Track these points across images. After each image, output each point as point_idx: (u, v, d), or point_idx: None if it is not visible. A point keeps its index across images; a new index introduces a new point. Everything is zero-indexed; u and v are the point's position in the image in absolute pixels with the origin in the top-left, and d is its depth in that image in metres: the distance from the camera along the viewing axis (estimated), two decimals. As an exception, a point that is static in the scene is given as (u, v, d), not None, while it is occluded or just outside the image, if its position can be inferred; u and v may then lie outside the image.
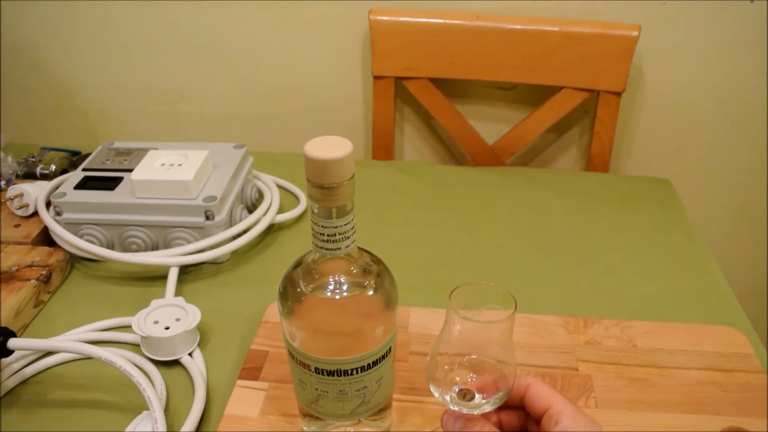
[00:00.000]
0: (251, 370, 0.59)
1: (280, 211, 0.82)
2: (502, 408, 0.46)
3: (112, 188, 0.74)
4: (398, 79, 1.00)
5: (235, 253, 0.76)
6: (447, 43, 0.95)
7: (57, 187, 0.77)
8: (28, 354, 0.60)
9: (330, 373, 0.45)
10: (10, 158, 0.87)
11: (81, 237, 0.73)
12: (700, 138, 1.05)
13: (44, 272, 0.69)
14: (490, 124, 1.06)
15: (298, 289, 0.44)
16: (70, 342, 0.58)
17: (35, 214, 0.77)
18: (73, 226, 0.73)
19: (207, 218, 0.72)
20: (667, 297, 0.70)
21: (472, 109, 1.05)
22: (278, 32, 1.02)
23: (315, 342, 0.45)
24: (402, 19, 0.94)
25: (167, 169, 0.73)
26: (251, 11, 1.00)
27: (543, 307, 0.67)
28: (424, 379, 0.46)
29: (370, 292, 0.44)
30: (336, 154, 0.38)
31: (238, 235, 0.74)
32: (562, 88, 0.97)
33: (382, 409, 0.50)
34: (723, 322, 0.65)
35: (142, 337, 0.61)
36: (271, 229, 0.81)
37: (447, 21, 0.94)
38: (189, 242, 0.72)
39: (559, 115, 1.00)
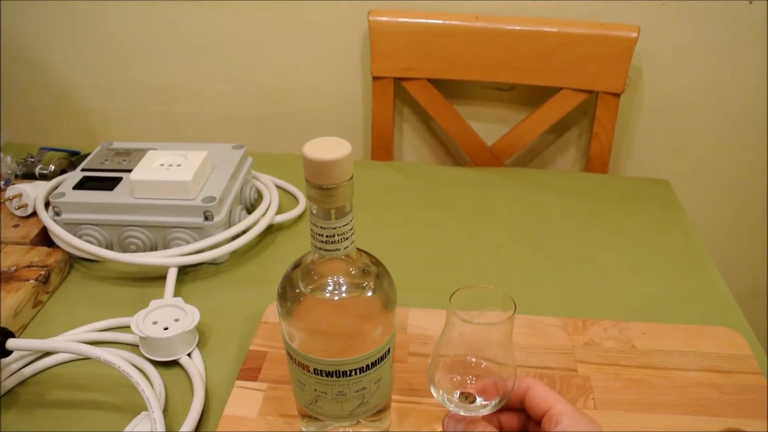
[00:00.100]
0: (250, 371, 0.59)
1: (279, 211, 0.82)
2: (503, 410, 0.46)
3: (111, 188, 0.74)
4: (397, 80, 1.00)
5: (234, 254, 0.76)
6: (446, 44, 0.95)
7: (56, 188, 0.77)
8: (26, 354, 0.60)
9: (329, 374, 0.45)
10: (9, 158, 0.87)
11: (80, 237, 0.73)
12: (699, 139, 1.05)
13: (43, 272, 0.69)
14: (489, 125, 1.06)
15: (297, 290, 0.44)
16: (68, 342, 0.57)
17: (34, 214, 0.77)
18: (71, 227, 0.73)
19: (206, 219, 0.72)
20: (666, 298, 0.70)
21: (471, 109, 1.05)
22: (277, 33, 1.02)
23: (314, 343, 0.45)
24: (401, 19, 0.94)
25: (166, 170, 0.73)
26: (250, 11, 1.00)
27: (542, 308, 0.67)
28: (423, 380, 0.46)
29: (369, 293, 0.44)
30: (335, 154, 0.38)
31: (237, 236, 0.74)
32: (561, 89, 0.97)
33: (381, 410, 0.50)
34: (721, 324, 0.65)
35: (141, 337, 0.61)
36: (270, 229, 0.81)
37: (446, 22, 0.94)
38: (188, 243, 0.72)
39: (558, 116, 1.00)
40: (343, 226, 0.41)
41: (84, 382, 0.60)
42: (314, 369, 0.45)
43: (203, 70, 1.06)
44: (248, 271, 0.75)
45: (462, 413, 0.45)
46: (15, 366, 0.59)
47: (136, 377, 0.53)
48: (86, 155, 0.83)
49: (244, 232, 0.75)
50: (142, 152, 0.79)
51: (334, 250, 0.42)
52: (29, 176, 0.86)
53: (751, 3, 0.91)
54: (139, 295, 0.69)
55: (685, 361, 0.60)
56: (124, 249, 0.74)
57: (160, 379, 0.58)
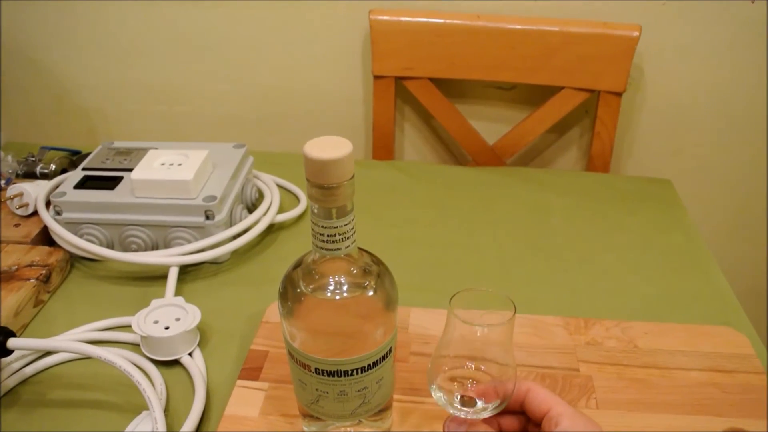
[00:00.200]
0: (251, 371, 0.59)
1: (280, 211, 0.82)
2: (503, 412, 0.46)
3: (111, 188, 0.74)
4: (398, 79, 1.00)
5: (235, 253, 0.76)
6: (447, 43, 0.95)
7: (57, 187, 0.77)
8: (27, 354, 0.60)
9: (330, 374, 0.45)
10: (9, 157, 0.87)
11: (81, 236, 0.73)
12: (701, 138, 1.05)
13: (44, 272, 0.69)
14: (490, 124, 1.06)
15: (298, 290, 0.44)
16: (69, 342, 0.57)
17: (35, 213, 0.77)
18: (72, 226, 0.73)
19: (207, 218, 0.72)
20: (668, 298, 0.70)
21: (472, 109, 1.05)
22: (278, 32, 1.02)
23: (315, 342, 0.45)
24: (402, 18, 0.94)
25: (167, 169, 0.73)
26: (251, 11, 1.00)
27: (543, 308, 0.67)
28: (425, 380, 0.46)
29: (371, 293, 0.44)
30: (336, 154, 0.38)
31: (238, 235, 0.74)
32: (562, 88, 0.97)
33: (383, 410, 0.50)
34: (723, 323, 0.65)
35: (142, 336, 0.60)
36: (271, 228, 0.81)
37: (447, 21, 0.94)
38: (189, 242, 0.72)
39: (560, 115, 0.99)
40: (345, 225, 0.41)
41: (85, 381, 0.60)
42: (315, 368, 0.45)
43: (204, 70, 1.06)
44: (249, 271, 0.74)
45: (463, 416, 0.45)
46: (16, 365, 0.59)
47: (137, 377, 0.53)
48: (87, 154, 0.83)
49: (245, 231, 0.75)
50: (143, 151, 0.79)
51: (335, 250, 0.42)
52: (30, 175, 0.86)
53: (753, 2, 0.91)
54: (140, 295, 0.69)
55: (687, 361, 0.60)
56: (125, 248, 0.74)
57: (161, 378, 0.58)
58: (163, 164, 0.74)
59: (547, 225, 0.83)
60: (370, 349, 0.45)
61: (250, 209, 0.82)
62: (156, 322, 0.61)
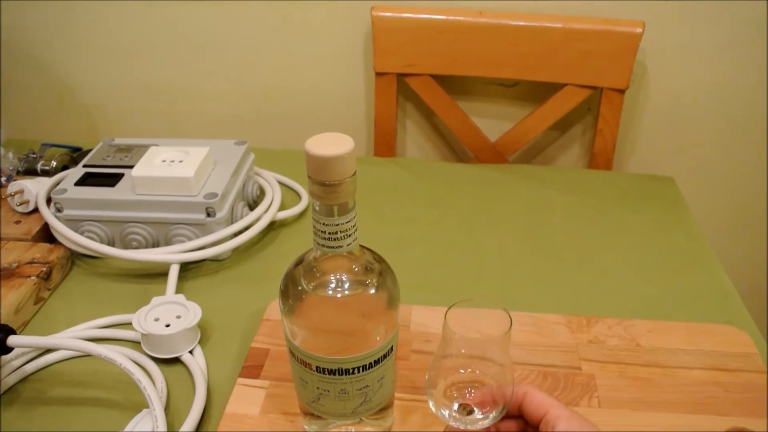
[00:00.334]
0: (252, 368, 0.59)
1: (282, 208, 0.81)
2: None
3: (112, 185, 0.74)
4: (400, 76, 0.99)
5: (236, 251, 0.76)
6: (449, 40, 0.95)
7: (57, 184, 0.77)
8: (28, 351, 0.60)
9: (331, 372, 0.45)
10: (10, 154, 0.87)
11: (81, 234, 0.72)
12: (704, 135, 1.04)
13: (44, 269, 0.69)
14: (492, 121, 1.05)
15: (300, 287, 0.44)
16: (70, 339, 0.57)
17: (36, 210, 0.76)
18: (73, 223, 0.73)
19: (208, 215, 0.72)
20: (670, 296, 0.70)
21: (474, 106, 1.05)
22: (280, 29, 1.01)
23: (316, 340, 0.44)
24: (404, 15, 0.94)
25: (168, 166, 0.73)
26: (252, 9, 1.00)
27: (544, 306, 0.66)
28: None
29: (372, 291, 0.44)
30: (337, 151, 0.38)
31: (239, 233, 0.74)
32: (565, 85, 0.96)
33: (384, 408, 0.50)
34: (726, 322, 0.65)
35: (143, 334, 0.60)
36: (273, 226, 0.80)
37: (450, 17, 0.93)
38: (190, 239, 0.72)
39: (562, 113, 0.99)
40: (346, 222, 0.41)
41: (85, 379, 0.60)
42: (317, 367, 0.45)
43: (205, 68, 1.06)
44: (250, 268, 0.74)
45: (461, 427, 0.45)
46: (16, 363, 0.59)
47: (138, 374, 0.53)
48: (88, 151, 0.83)
49: (246, 228, 0.75)
50: (144, 148, 0.79)
51: (336, 247, 0.42)
52: (31, 172, 0.85)
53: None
54: (141, 292, 0.69)
55: (690, 360, 0.59)
56: (126, 245, 0.74)
57: (161, 376, 0.58)
58: (164, 161, 0.74)
59: (549, 222, 0.83)
60: (371, 348, 0.44)
61: (252, 206, 0.81)
62: (157, 319, 0.61)
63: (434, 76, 0.98)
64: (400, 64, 0.97)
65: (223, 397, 0.57)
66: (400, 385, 0.56)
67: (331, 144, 0.38)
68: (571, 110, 0.99)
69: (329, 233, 0.41)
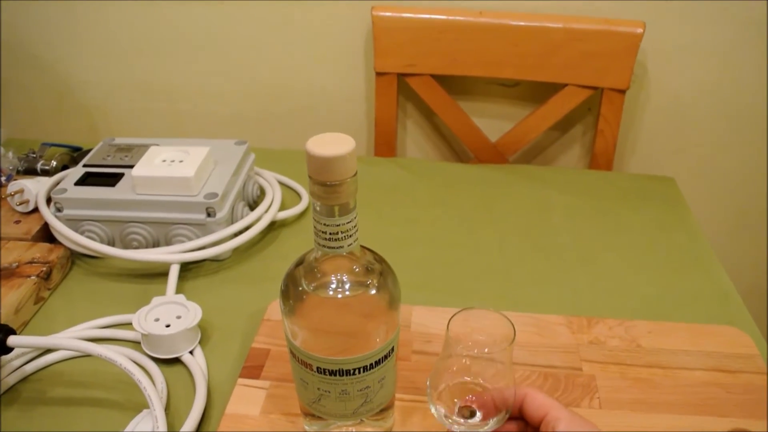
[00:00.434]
0: (252, 369, 0.59)
1: (282, 208, 0.81)
2: None
3: (112, 184, 0.74)
4: (401, 76, 0.99)
5: (236, 251, 0.76)
6: (450, 40, 0.94)
7: (57, 183, 0.77)
8: (27, 351, 0.60)
9: (332, 373, 0.44)
10: (10, 154, 0.87)
11: (82, 233, 0.72)
12: (704, 136, 1.04)
13: (44, 269, 0.69)
14: (493, 122, 1.05)
15: (300, 288, 0.44)
16: (70, 339, 0.57)
17: (36, 210, 0.76)
18: (73, 223, 0.73)
19: (208, 215, 0.72)
20: (671, 296, 0.70)
21: (475, 106, 1.04)
22: (280, 29, 1.01)
23: (317, 341, 0.44)
24: (405, 15, 0.94)
25: (168, 166, 0.73)
26: (253, 9, 0.99)
27: (544, 306, 0.66)
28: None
29: (373, 291, 0.44)
30: (338, 151, 0.38)
31: (240, 233, 0.74)
32: (565, 85, 0.96)
33: (385, 409, 0.50)
34: (727, 323, 0.65)
35: (143, 334, 0.60)
36: (273, 226, 0.80)
37: (450, 17, 0.93)
38: (190, 239, 0.72)
39: (563, 113, 0.99)
40: (347, 223, 0.41)
41: (85, 379, 0.59)
42: (317, 367, 0.45)
43: (205, 68, 1.06)
44: (251, 268, 0.74)
45: None
46: (16, 363, 0.59)
47: (138, 375, 0.53)
48: (88, 151, 0.83)
49: (246, 228, 0.75)
50: (144, 148, 0.79)
51: (337, 248, 0.42)
52: (31, 172, 0.85)
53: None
54: (141, 292, 0.69)
55: (691, 361, 0.59)
56: (126, 245, 0.74)
57: (162, 376, 0.58)
58: (164, 161, 0.74)
59: (550, 223, 0.83)
60: (372, 348, 0.44)
61: (252, 206, 0.81)
62: (157, 319, 0.61)
63: (435, 76, 0.98)
64: (400, 64, 0.97)
65: (223, 397, 0.57)
66: (401, 386, 0.56)
67: (332, 144, 0.38)
68: (572, 110, 0.99)
69: (330, 234, 0.41)
